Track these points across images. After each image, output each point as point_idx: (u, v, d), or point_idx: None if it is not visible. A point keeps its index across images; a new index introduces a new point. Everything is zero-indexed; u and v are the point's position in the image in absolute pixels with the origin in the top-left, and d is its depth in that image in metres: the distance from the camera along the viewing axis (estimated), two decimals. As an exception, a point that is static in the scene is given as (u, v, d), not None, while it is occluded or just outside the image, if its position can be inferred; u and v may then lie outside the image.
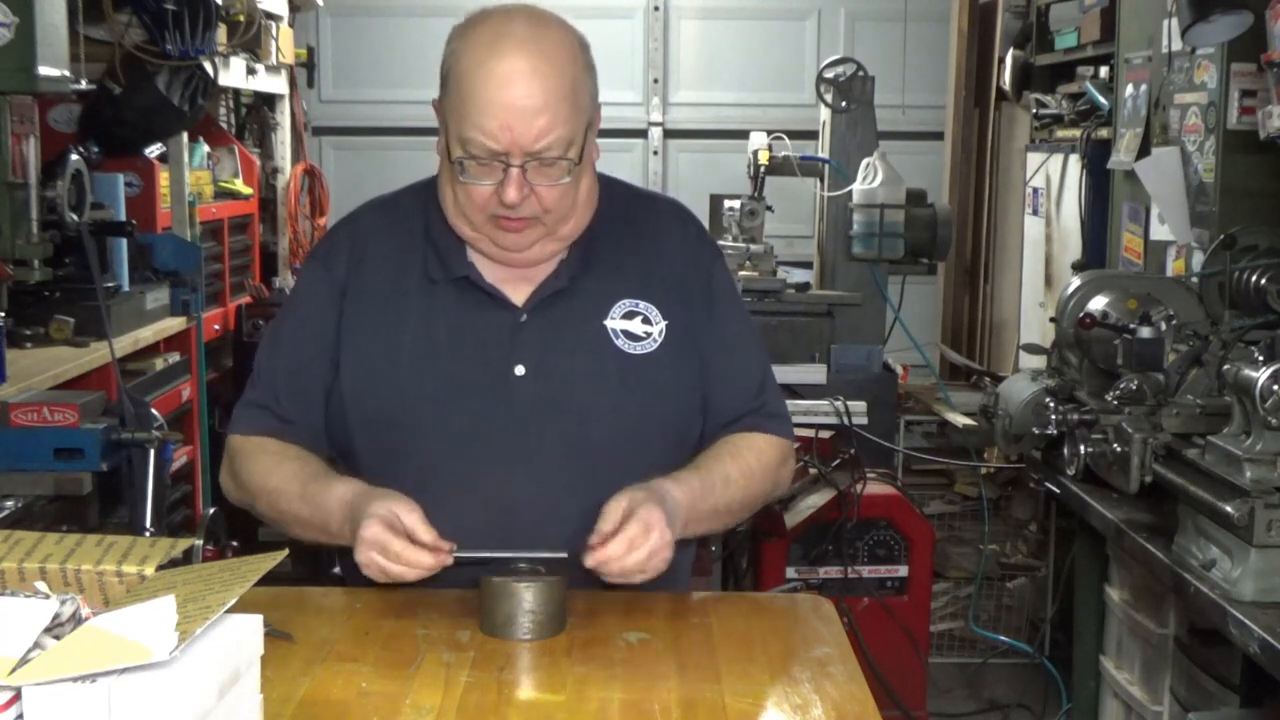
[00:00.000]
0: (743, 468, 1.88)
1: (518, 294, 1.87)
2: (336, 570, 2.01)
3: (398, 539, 1.65)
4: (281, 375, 1.92)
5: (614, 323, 1.87)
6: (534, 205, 1.78)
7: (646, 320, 1.88)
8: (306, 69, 5.94)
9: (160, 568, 1.46)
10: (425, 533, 1.67)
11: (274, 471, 1.85)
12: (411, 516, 1.68)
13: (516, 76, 1.71)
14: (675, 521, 1.72)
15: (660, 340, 1.87)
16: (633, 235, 1.94)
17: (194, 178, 4.47)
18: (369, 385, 1.85)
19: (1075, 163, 4.34)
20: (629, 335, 1.87)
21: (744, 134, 5.08)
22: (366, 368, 1.86)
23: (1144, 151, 3.56)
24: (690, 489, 1.79)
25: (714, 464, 1.86)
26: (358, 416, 1.86)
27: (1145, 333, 2.68)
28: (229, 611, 1.23)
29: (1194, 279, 3.10)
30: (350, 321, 1.88)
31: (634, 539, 1.65)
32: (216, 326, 4.59)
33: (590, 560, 1.66)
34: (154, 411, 2.64)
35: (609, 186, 1.97)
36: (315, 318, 1.90)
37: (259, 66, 5.02)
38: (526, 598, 1.63)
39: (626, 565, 1.66)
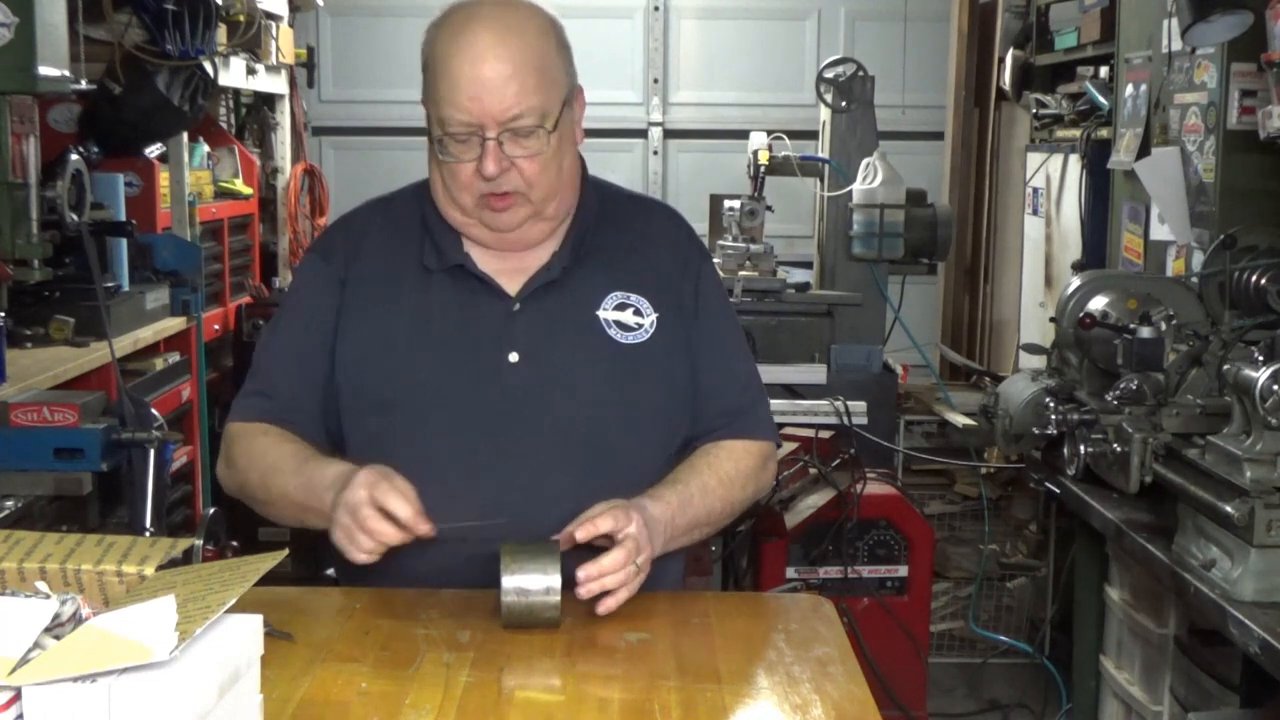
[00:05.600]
0: (721, 476, 1.89)
1: (512, 284, 1.89)
2: (330, 572, 2.01)
3: (368, 507, 1.65)
4: (280, 365, 1.94)
5: (606, 313, 1.89)
6: (515, 179, 1.81)
7: (638, 312, 1.90)
8: (306, 69, 5.94)
9: (160, 568, 1.47)
10: (403, 507, 1.66)
11: (272, 450, 1.86)
12: (394, 481, 1.67)
13: (483, 50, 1.77)
14: (656, 540, 1.74)
15: (652, 332, 1.89)
16: (624, 234, 1.97)
17: (194, 178, 4.47)
18: (364, 371, 1.88)
19: (1075, 163, 4.34)
20: (621, 326, 1.89)
21: (744, 134, 5.08)
22: (362, 354, 1.88)
23: (1144, 151, 3.55)
24: (668, 505, 1.80)
25: (691, 476, 1.87)
26: (353, 402, 1.89)
27: (1145, 333, 2.68)
28: (229, 611, 1.23)
29: (1194, 279, 3.10)
30: (347, 310, 1.90)
31: (629, 555, 1.67)
32: (216, 326, 4.59)
33: (588, 576, 1.66)
34: (154, 411, 2.63)
35: (601, 188, 2.00)
36: (313, 309, 1.93)
37: (259, 66, 5.02)
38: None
39: (616, 580, 1.67)
